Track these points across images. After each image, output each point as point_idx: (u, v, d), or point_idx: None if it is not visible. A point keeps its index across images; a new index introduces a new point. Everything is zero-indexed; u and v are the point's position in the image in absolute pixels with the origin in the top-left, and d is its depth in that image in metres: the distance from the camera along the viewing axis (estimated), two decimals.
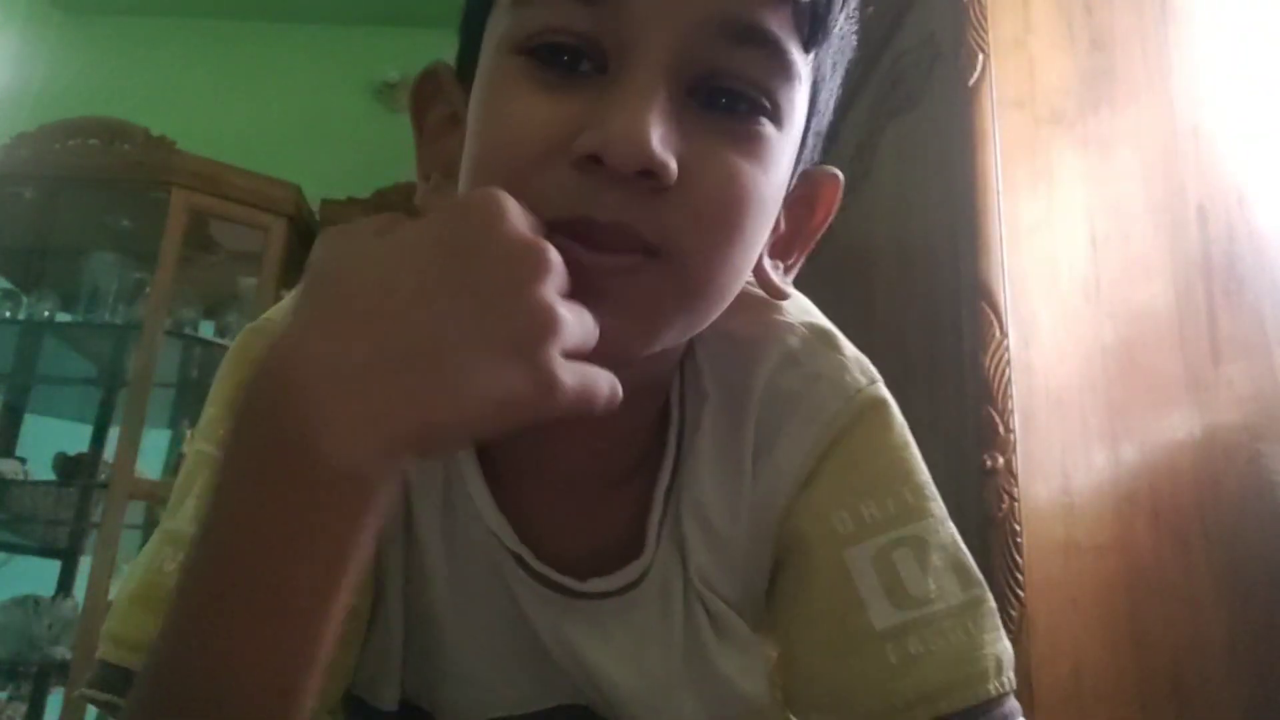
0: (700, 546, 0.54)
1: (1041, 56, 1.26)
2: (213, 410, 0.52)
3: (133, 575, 0.49)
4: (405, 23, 2.99)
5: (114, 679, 0.46)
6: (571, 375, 0.36)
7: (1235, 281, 1.18)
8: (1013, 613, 1.03)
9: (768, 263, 0.52)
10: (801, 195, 0.53)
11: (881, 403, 0.55)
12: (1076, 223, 1.20)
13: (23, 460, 2.43)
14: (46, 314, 2.45)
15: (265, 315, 0.55)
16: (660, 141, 0.41)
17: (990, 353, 1.13)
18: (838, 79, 0.53)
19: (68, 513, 2.34)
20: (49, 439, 2.51)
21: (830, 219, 0.55)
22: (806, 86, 0.47)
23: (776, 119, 0.45)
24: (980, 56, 1.24)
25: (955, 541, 0.53)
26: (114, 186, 2.42)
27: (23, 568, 2.48)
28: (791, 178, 0.50)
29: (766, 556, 0.55)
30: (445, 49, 0.52)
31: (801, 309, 0.58)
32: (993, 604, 0.52)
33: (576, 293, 0.40)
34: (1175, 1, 1.29)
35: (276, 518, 0.34)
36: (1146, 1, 1.29)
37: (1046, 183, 1.21)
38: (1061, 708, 1.01)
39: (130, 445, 2.25)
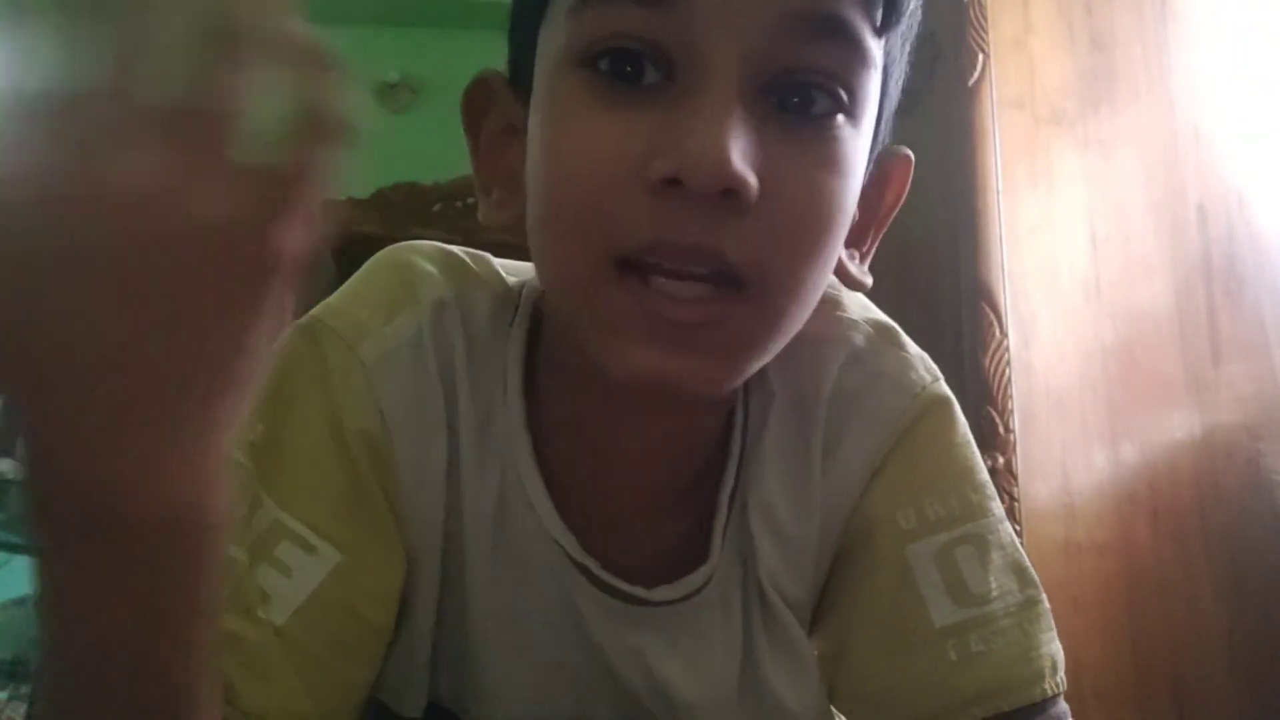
0: (770, 548, 0.53)
1: (1041, 56, 1.26)
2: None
3: None
4: (405, 23, 2.99)
5: None
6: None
7: (1235, 281, 1.18)
8: None
9: (844, 254, 0.50)
10: (873, 178, 0.51)
11: (945, 400, 0.55)
12: (1076, 223, 1.20)
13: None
14: None
15: (313, 310, 0.51)
16: (741, 157, 0.39)
17: (990, 353, 1.13)
18: (906, 57, 0.51)
19: None
20: None
21: (902, 200, 0.53)
22: (879, 72, 0.45)
23: (853, 113, 0.43)
24: (980, 56, 1.24)
25: (1013, 541, 0.52)
26: None
27: (23, 568, 2.48)
28: (867, 169, 0.48)
29: (830, 552, 0.54)
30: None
31: (862, 306, 0.58)
32: (1047, 605, 0.52)
33: (662, 336, 0.40)
34: (1175, 1, 1.29)
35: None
36: (1146, 1, 1.29)
37: (1046, 183, 1.21)
38: None
39: None
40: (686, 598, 0.52)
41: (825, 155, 0.42)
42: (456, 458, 0.51)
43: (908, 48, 0.50)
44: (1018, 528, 1.06)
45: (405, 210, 1.77)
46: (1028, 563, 0.52)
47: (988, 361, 1.12)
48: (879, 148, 0.50)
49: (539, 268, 0.48)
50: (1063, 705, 0.50)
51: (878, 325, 0.56)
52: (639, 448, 0.51)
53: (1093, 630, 1.05)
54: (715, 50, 0.40)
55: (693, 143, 0.39)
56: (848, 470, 0.53)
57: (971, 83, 1.24)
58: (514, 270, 0.55)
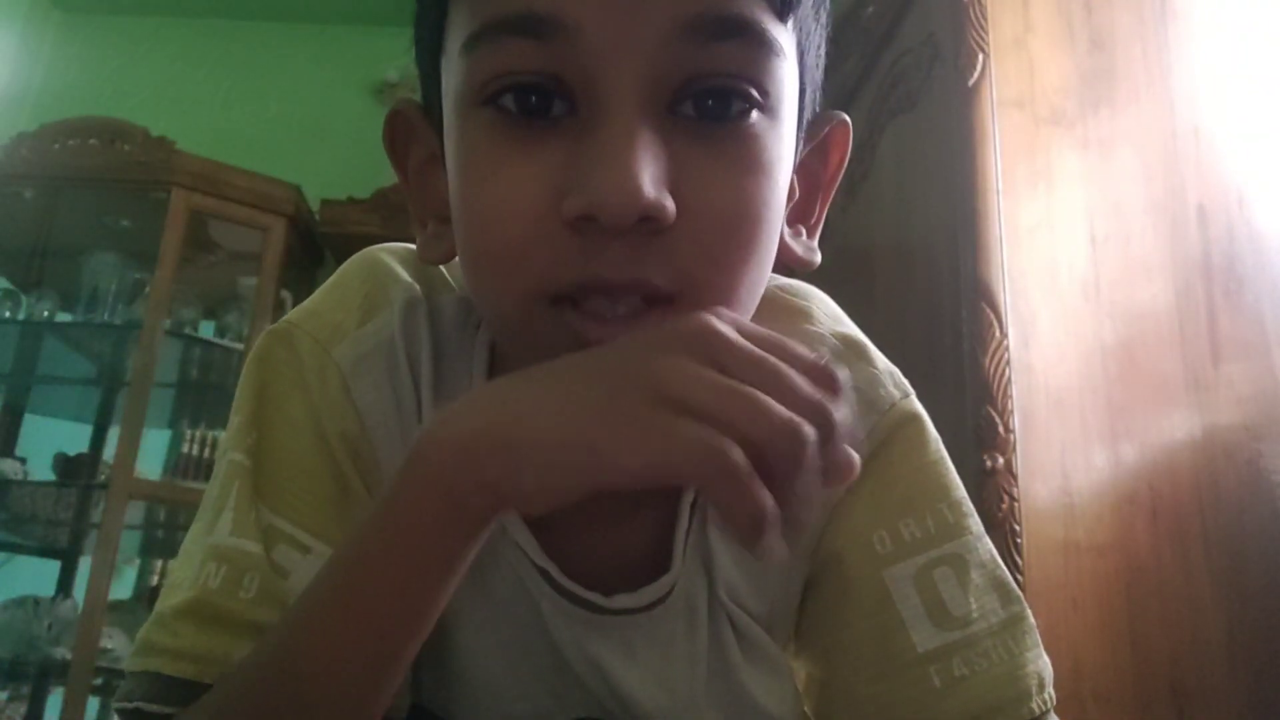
0: (728, 561, 0.52)
1: (1041, 56, 1.26)
2: (238, 418, 0.51)
3: (176, 588, 0.48)
4: (405, 23, 2.98)
5: (171, 691, 0.45)
6: (690, 436, 0.33)
7: (1235, 281, 1.18)
8: None
9: (788, 234, 0.50)
10: (813, 148, 0.50)
11: (916, 417, 0.54)
12: (1076, 223, 1.20)
13: (23, 460, 2.43)
14: (46, 314, 2.45)
15: (288, 317, 0.53)
16: (652, 182, 0.38)
17: (990, 353, 1.13)
18: (823, 27, 0.49)
19: (68, 513, 2.33)
20: (49, 439, 2.51)
21: (845, 162, 0.52)
22: (793, 54, 0.44)
23: (769, 106, 0.42)
24: (980, 56, 1.24)
25: (994, 558, 0.52)
26: (114, 187, 2.42)
27: (23, 568, 2.48)
28: (796, 150, 0.47)
29: (799, 574, 0.54)
30: None
31: (833, 317, 0.57)
32: (1031, 619, 0.51)
33: None
34: (1175, 1, 1.29)
35: (414, 539, 0.39)
36: (1146, 1, 1.29)
37: (1046, 183, 1.21)
38: (1061, 708, 1.01)
39: (130, 445, 2.25)
40: (648, 608, 0.52)
41: (744, 157, 0.42)
42: None
43: (823, 13, 0.48)
44: (1017, 527, 1.06)
45: (405, 210, 1.77)
46: (1008, 578, 0.52)
47: (988, 361, 1.12)
48: (805, 122, 0.49)
49: (474, 299, 0.49)
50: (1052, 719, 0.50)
51: (846, 339, 0.56)
52: None
53: (1092, 631, 1.05)
54: (611, 77, 0.39)
55: (599, 178, 0.38)
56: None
57: (971, 83, 1.24)
58: None
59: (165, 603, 0.47)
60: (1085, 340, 1.15)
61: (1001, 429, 1.10)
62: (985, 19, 1.26)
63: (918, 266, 1.39)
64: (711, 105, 0.41)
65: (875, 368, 0.55)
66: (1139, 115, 1.25)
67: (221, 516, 0.48)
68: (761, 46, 0.41)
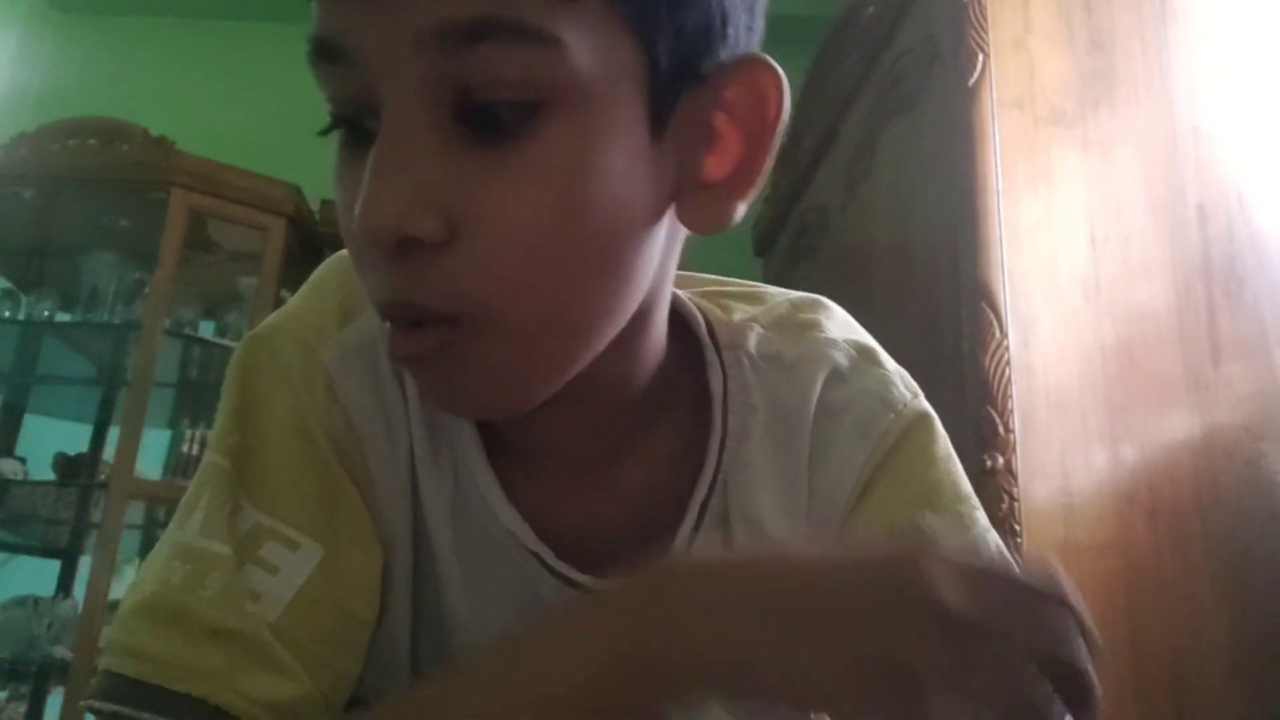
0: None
1: (1041, 56, 1.26)
2: (222, 421, 0.51)
3: (139, 585, 0.48)
4: None
5: (123, 690, 0.45)
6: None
7: (1235, 281, 1.18)
8: None
9: (693, 195, 0.45)
10: (735, 92, 0.45)
11: (926, 416, 0.56)
12: (1076, 223, 1.20)
13: (23, 460, 2.43)
14: (46, 314, 2.44)
15: (268, 321, 0.53)
16: (407, 205, 0.38)
17: (990, 353, 1.13)
18: None
19: (68, 513, 2.33)
20: (49, 439, 2.51)
21: (784, 109, 0.46)
22: (588, 31, 0.39)
23: (563, 100, 0.39)
24: (980, 56, 1.24)
25: (1000, 550, 0.53)
26: (113, 187, 2.42)
27: (23, 568, 2.48)
28: (661, 105, 0.42)
29: None
30: None
31: (844, 325, 0.58)
32: None
33: (413, 370, 0.43)
34: (1175, 1, 1.29)
35: (597, 678, 0.39)
36: (1146, 1, 1.29)
37: (1046, 183, 1.21)
38: None
39: (130, 445, 2.25)
40: None
41: (530, 165, 0.39)
42: (414, 453, 0.52)
43: None
44: (1017, 527, 1.06)
45: None
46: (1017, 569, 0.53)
47: (988, 361, 1.12)
48: (683, 75, 0.43)
49: None
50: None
51: (858, 345, 0.57)
52: (561, 440, 0.52)
53: None
54: (384, 95, 0.39)
55: (359, 205, 0.38)
56: (836, 483, 0.54)
57: (971, 83, 1.24)
58: None
59: (127, 600, 0.47)
60: (1085, 340, 1.15)
61: (1001, 429, 1.10)
62: (985, 19, 1.26)
63: (917, 266, 1.39)
64: (484, 117, 0.39)
65: (887, 370, 0.57)
66: (1139, 115, 1.25)
67: (192, 517, 0.48)
68: (526, 40, 0.38)
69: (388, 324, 0.42)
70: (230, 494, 0.48)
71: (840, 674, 0.36)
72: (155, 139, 2.44)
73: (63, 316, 2.48)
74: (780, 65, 0.45)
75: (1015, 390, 1.11)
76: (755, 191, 0.46)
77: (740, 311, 0.57)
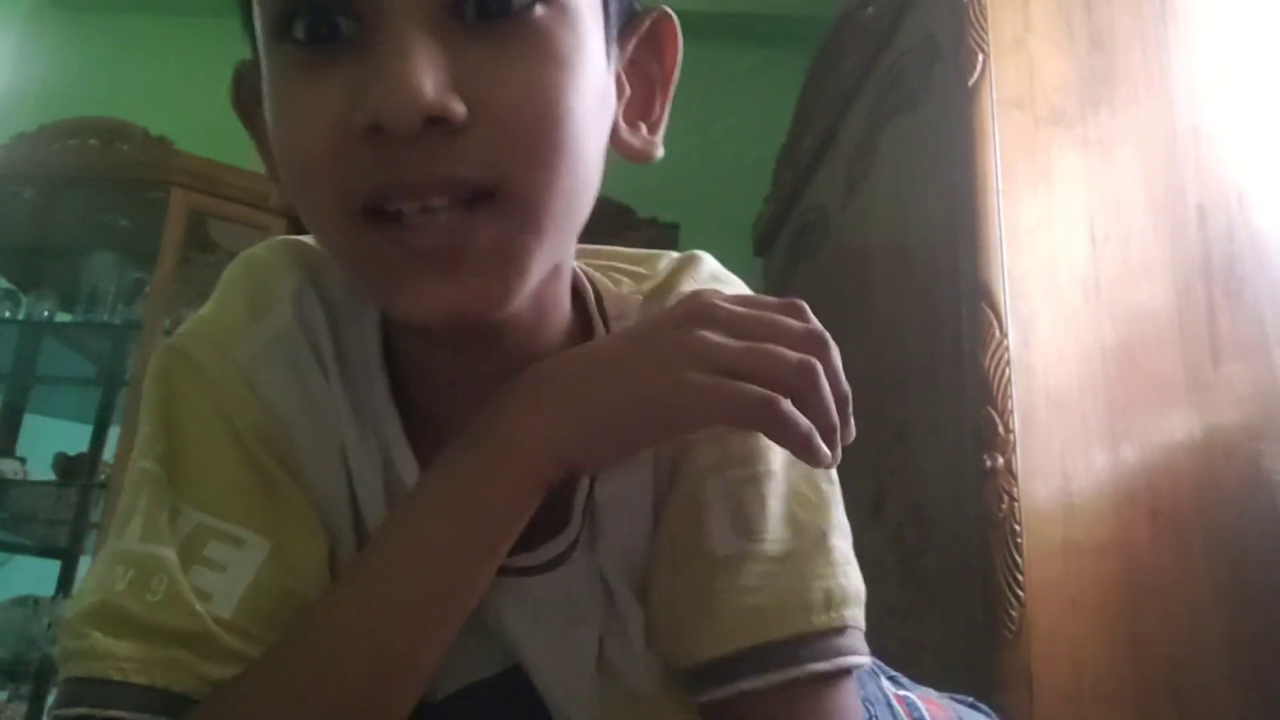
0: (619, 513, 0.54)
1: (1041, 56, 1.26)
2: (147, 429, 0.52)
3: (83, 595, 0.48)
4: None
5: (85, 691, 0.45)
6: (748, 393, 0.44)
7: (1235, 281, 1.18)
8: (1012, 613, 1.03)
9: (625, 131, 0.52)
10: (643, 43, 0.52)
11: None
12: (1076, 223, 1.20)
13: (23, 460, 2.43)
14: (46, 314, 2.44)
15: (181, 329, 0.54)
16: (435, 86, 0.40)
17: (990, 353, 1.13)
18: None
19: (67, 513, 2.33)
20: (49, 439, 2.51)
21: (679, 56, 0.54)
22: None
23: (554, 1, 0.43)
24: (980, 56, 1.24)
25: (797, 494, 0.53)
26: (113, 186, 2.42)
27: (23, 568, 2.48)
28: (611, 48, 0.49)
29: (662, 499, 0.55)
30: None
31: (709, 276, 0.59)
32: (837, 548, 0.52)
33: (423, 268, 0.42)
34: (1175, 1, 1.29)
35: (492, 503, 0.47)
36: (1146, 1, 1.29)
37: (1046, 183, 1.21)
38: (1061, 708, 1.01)
39: (130, 445, 2.25)
40: (548, 567, 0.53)
41: (532, 50, 0.43)
42: (345, 439, 0.53)
43: None
44: (1017, 527, 1.06)
45: None
46: (813, 516, 0.53)
47: (988, 361, 1.12)
48: (615, 19, 0.50)
49: (313, 238, 0.51)
50: (846, 642, 0.50)
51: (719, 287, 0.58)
52: (467, 408, 0.52)
53: (1092, 631, 1.05)
54: None
55: (379, 88, 0.40)
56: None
57: (971, 83, 1.24)
58: None
59: (72, 611, 0.47)
60: (1085, 340, 1.15)
61: (1001, 429, 1.10)
62: (985, 19, 1.26)
63: (917, 266, 1.39)
64: (495, 6, 0.42)
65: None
66: (1139, 115, 1.25)
67: (130, 524, 0.48)
68: None
69: (393, 225, 0.43)
70: (165, 498, 0.49)
71: (679, 390, 0.45)
72: (155, 139, 2.44)
73: (63, 316, 2.48)
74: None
75: (1015, 390, 1.11)
76: (658, 130, 0.54)
77: (627, 284, 0.58)
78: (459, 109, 0.40)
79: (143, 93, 2.92)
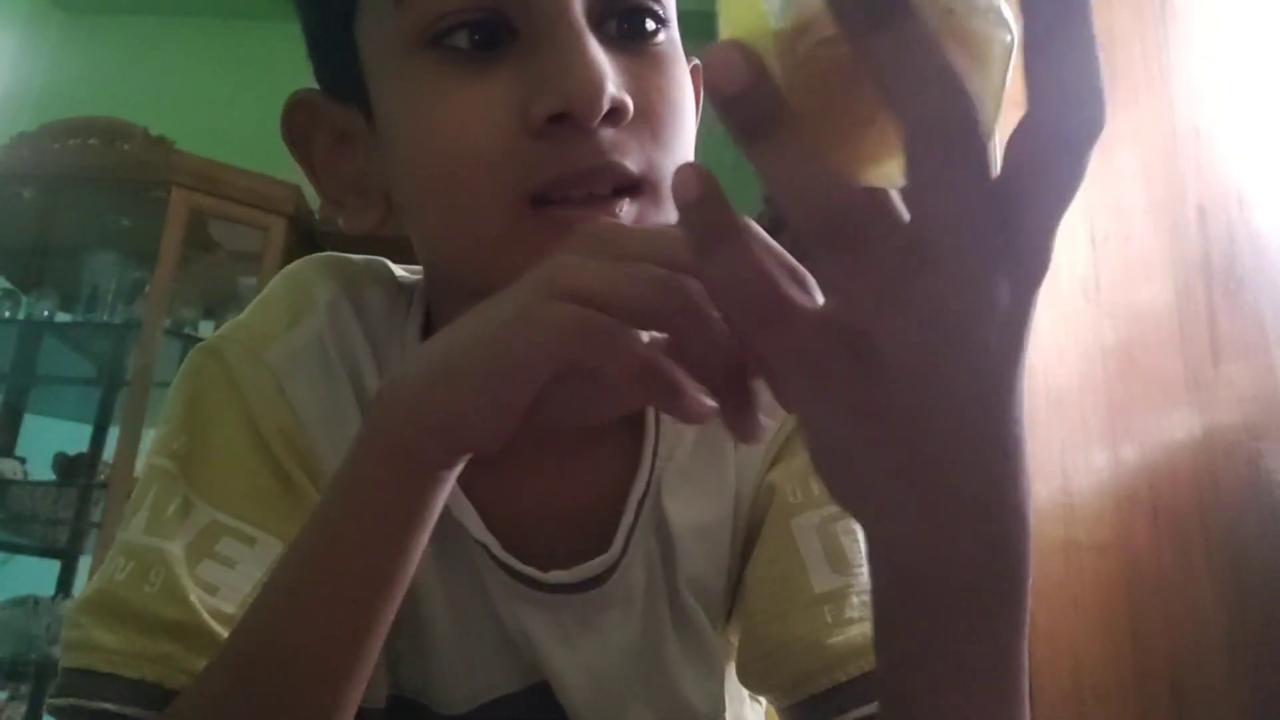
0: (692, 545, 0.54)
1: None
2: (168, 427, 0.52)
3: (89, 585, 0.49)
4: None
5: (78, 683, 0.46)
6: (560, 312, 0.36)
7: (1235, 281, 1.18)
8: None
9: None
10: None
11: None
12: (1076, 223, 1.20)
13: (22, 460, 2.43)
14: (46, 314, 2.44)
15: (215, 333, 0.55)
16: (614, 83, 0.44)
17: None
18: None
19: (67, 513, 2.33)
20: (49, 439, 2.51)
21: (701, 103, 0.57)
22: None
23: (669, 26, 0.49)
24: None
25: None
26: (114, 186, 2.41)
27: (23, 568, 2.48)
28: None
29: (742, 536, 0.56)
30: None
31: None
32: None
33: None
34: (1175, 1, 1.29)
35: (375, 496, 0.42)
36: (1146, 1, 1.29)
37: None
38: (1062, 706, 1.01)
39: (130, 445, 2.25)
40: (584, 587, 0.53)
41: (662, 66, 0.48)
42: None
43: None
44: None
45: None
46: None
47: None
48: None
49: (437, 245, 0.50)
50: None
51: None
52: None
53: (1092, 630, 1.05)
54: (552, 2, 0.44)
55: (568, 77, 0.43)
56: (754, 454, 0.56)
57: None
58: (413, 272, 0.59)
59: (78, 600, 0.49)
60: (1085, 340, 1.15)
61: None
62: None
63: None
64: (631, 24, 0.47)
65: None
66: (1139, 115, 1.25)
67: (136, 517, 0.50)
68: None
69: (566, 203, 0.45)
70: (175, 494, 0.50)
71: (514, 322, 0.37)
72: (155, 138, 2.44)
73: (63, 316, 2.47)
74: None
75: None
76: None
77: None
78: (630, 102, 0.44)
79: (143, 93, 2.92)
